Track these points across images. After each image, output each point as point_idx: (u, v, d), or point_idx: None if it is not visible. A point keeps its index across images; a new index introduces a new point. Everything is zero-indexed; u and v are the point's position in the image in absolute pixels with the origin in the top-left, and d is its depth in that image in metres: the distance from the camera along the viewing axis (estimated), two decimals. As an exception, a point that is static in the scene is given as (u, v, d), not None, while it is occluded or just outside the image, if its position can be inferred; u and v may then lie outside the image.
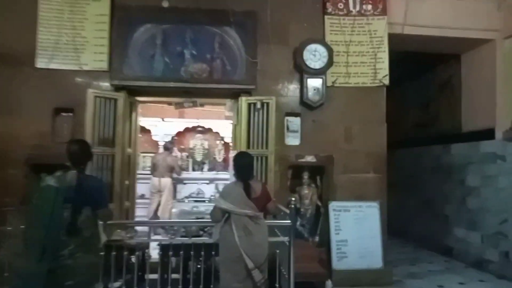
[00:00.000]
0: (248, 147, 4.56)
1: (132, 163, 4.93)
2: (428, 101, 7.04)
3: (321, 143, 4.80)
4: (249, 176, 3.14)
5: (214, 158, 8.21)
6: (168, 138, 7.96)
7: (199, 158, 8.07)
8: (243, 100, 4.62)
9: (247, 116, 4.60)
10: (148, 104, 6.97)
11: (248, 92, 4.71)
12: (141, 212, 7.56)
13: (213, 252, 3.35)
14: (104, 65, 4.51)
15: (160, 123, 8.01)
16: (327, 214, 4.60)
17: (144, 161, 8.13)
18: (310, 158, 4.72)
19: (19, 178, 4.34)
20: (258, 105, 4.55)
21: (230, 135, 8.05)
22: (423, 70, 7.07)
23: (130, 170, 4.82)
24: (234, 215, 2.97)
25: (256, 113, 4.59)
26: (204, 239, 3.61)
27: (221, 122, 8.17)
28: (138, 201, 7.56)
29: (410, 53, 5.93)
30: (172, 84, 4.60)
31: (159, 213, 7.09)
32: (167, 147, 7.45)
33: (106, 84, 4.53)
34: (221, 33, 4.75)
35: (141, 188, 7.68)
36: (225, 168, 8.16)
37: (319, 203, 4.76)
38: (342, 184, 4.79)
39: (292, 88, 4.86)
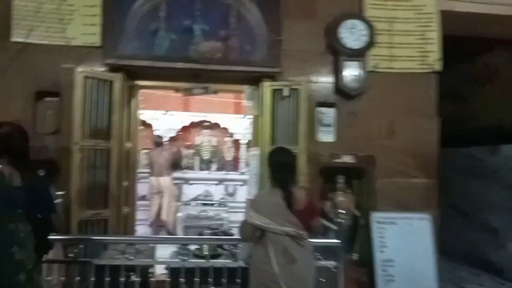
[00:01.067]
0: (273, 143, 3.72)
1: (132, 160, 4.08)
2: (465, 94, 6.16)
3: (360, 140, 3.95)
4: (291, 181, 2.30)
5: (223, 156, 7.37)
6: (172, 133, 7.13)
7: (206, 156, 7.23)
8: (266, 86, 3.77)
9: (271, 105, 3.75)
10: (149, 92, 6.15)
11: (271, 77, 3.86)
12: (142, 216, 6.74)
13: (237, 280, 2.52)
14: (96, 40, 3.66)
15: (162, 117, 7.16)
16: (367, 227, 3.75)
17: (146, 158, 7.29)
18: (348, 158, 3.87)
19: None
20: (286, 92, 3.70)
21: (240, 130, 7.25)
22: (459, 57, 6.19)
23: (129, 168, 3.96)
24: (271, 234, 2.14)
25: (283, 102, 3.75)
26: (226, 261, 2.75)
27: (230, 117, 7.34)
28: (138, 203, 6.74)
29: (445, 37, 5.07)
30: (179, 65, 3.74)
31: (163, 217, 6.27)
32: (159, 143, 6.62)
33: (99, 64, 3.68)
34: (237, 5, 3.89)
35: (142, 189, 6.87)
36: (235, 168, 7.33)
37: (357, 213, 3.90)
38: (383, 190, 3.94)
39: (325, 73, 4.00)
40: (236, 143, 7.36)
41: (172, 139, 7.23)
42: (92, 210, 3.42)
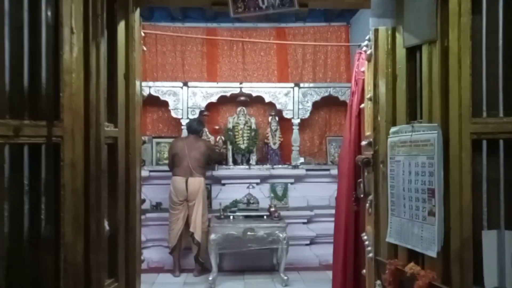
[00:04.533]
0: (476, 108, 1.41)
1: (129, 165, 1.77)
2: None
3: None
4: None
5: (266, 143, 5.08)
6: (195, 114, 4.86)
7: (243, 144, 4.95)
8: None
9: (468, 14, 1.43)
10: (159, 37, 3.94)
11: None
12: (156, 234, 4.56)
13: None
14: None
15: (181, 91, 4.89)
16: None
17: (160, 150, 5.10)
18: None
19: None
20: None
21: (290, 105, 4.94)
22: None
23: (118, 188, 1.67)
24: None
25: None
26: None
27: (274, 87, 5.03)
28: (150, 216, 4.57)
29: None
30: None
31: (196, 236, 4.08)
32: (194, 129, 4.38)
33: None
34: None
35: (155, 193, 4.69)
36: (282, 160, 5.05)
37: None
38: None
39: None
40: (285, 122, 5.05)
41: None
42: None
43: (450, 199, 1.42)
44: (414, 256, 1.60)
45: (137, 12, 1.76)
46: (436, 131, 1.43)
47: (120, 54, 1.61)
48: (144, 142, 2.00)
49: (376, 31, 1.90)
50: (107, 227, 1.50)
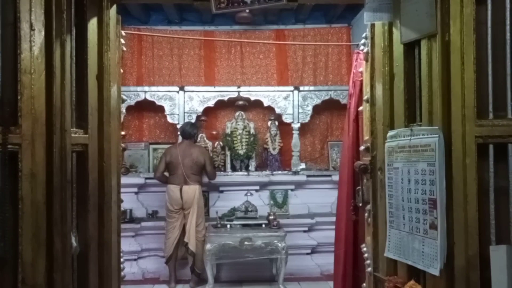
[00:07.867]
0: (481, 109, 1.27)
1: (103, 175, 1.65)
2: None
3: None
4: None
5: (266, 149, 4.94)
6: (192, 119, 4.75)
7: (241, 150, 4.82)
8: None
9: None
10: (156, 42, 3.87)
11: None
12: (152, 244, 4.42)
13: None
14: None
15: (177, 95, 4.78)
16: None
17: (157, 156, 5.00)
18: None
19: None
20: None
21: (290, 109, 4.80)
22: None
23: (89, 200, 1.54)
24: None
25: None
26: None
27: (273, 90, 4.90)
28: (145, 224, 4.45)
29: None
30: None
31: (190, 246, 3.95)
32: (188, 133, 4.27)
33: None
34: None
35: (151, 201, 4.60)
36: (282, 166, 4.91)
37: None
38: None
39: None
40: (285, 127, 4.92)
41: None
42: None
43: (453, 210, 1.28)
44: (415, 273, 1.45)
45: (113, 9, 1.65)
46: (437, 135, 1.28)
47: (91, 54, 1.49)
48: (124, 149, 1.86)
49: (373, 27, 1.77)
50: (74, 243, 1.37)
